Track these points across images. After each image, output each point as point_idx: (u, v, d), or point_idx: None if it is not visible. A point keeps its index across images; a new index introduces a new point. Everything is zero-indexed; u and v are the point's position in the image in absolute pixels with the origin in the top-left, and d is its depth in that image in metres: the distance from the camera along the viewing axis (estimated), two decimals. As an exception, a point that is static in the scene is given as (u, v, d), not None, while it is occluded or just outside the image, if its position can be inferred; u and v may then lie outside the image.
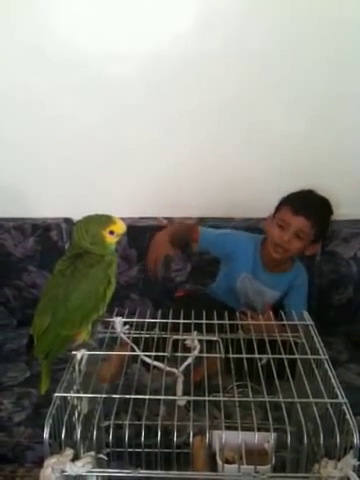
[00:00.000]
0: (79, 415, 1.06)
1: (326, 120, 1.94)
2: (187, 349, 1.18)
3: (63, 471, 0.94)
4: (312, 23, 1.81)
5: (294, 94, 1.91)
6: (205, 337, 1.18)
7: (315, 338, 1.15)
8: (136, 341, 1.21)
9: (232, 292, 1.83)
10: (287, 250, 1.69)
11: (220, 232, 1.82)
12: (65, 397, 1.01)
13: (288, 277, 1.81)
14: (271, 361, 1.11)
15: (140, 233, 1.97)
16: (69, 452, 0.96)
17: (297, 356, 1.15)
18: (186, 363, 1.15)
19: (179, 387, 1.14)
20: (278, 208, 1.75)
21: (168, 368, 1.14)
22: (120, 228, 1.14)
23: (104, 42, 1.85)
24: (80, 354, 1.10)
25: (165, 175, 2.01)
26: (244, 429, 0.97)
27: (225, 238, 1.81)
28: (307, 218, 1.66)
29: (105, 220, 1.13)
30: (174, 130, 1.97)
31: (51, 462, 0.93)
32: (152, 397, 1.02)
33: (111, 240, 1.14)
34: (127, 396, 1.02)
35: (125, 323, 1.21)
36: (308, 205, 1.70)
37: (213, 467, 1.13)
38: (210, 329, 1.20)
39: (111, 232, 1.13)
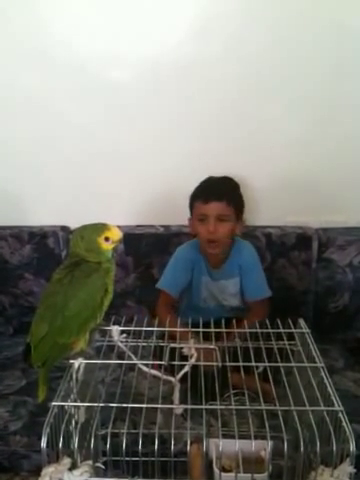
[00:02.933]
0: (76, 424, 1.06)
1: (325, 125, 1.96)
2: (184, 357, 1.18)
3: (60, 480, 0.93)
4: (311, 27, 1.83)
5: (293, 99, 1.92)
6: (202, 345, 1.18)
7: (311, 346, 1.15)
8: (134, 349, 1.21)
9: (199, 305, 1.85)
10: (218, 240, 1.72)
11: (173, 268, 1.83)
12: (62, 406, 1.01)
13: (234, 259, 1.82)
14: (268, 369, 1.11)
15: (137, 241, 1.98)
16: (67, 461, 0.95)
17: (293, 364, 1.15)
18: (183, 371, 1.15)
19: (176, 395, 1.14)
20: (191, 207, 1.79)
21: (165, 376, 1.15)
22: (115, 235, 1.14)
23: (104, 46, 1.86)
24: (77, 363, 1.09)
25: (162, 183, 2.02)
26: (241, 437, 0.97)
27: (180, 266, 1.82)
28: (219, 200, 1.70)
29: (100, 227, 1.14)
30: (172, 137, 1.98)
31: (49, 471, 0.93)
32: (149, 406, 1.02)
33: (106, 247, 1.14)
34: (124, 405, 1.02)
35: (122, 331, 1.22)
36: (213, 189, 1.75)
37: (210, 475, 1.13)
38: (207, 337, 1.20)
39: (106, 239, 1.13)
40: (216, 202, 1.70)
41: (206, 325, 1.24)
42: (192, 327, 1.23)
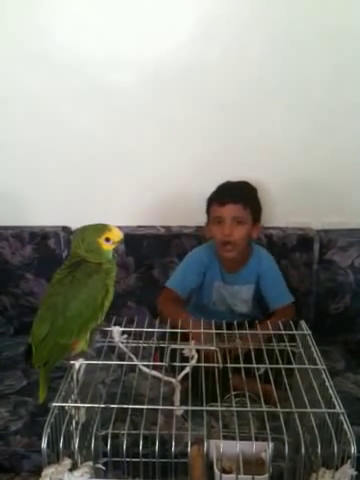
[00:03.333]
0: (77, 424, 1.06)
1: (325, 129, 1.96)
2: (185, 359, 1.18)
3: (60, 481, 0.93)
4: (311, 32, 1.84)
5: (293, 103, 1.93)
6: (203, 347, 1.18)
7: (313, 348, 1.15)
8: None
9: (208, 307, 1.85)
10: (234, 242, 1.72)
11: (184, 269, 1.84)
12: (63, 406, 1.01)
13: (252, 266, 1.83)
14: (269, 371, 1.11)
15: (138, 242, 1.98)
16: (67, 462, 0.95)
17: (295, 366, 1.15)
18: (184, 372, 1.15)
19: (177, 396, 1.13)
20: (207, 212, 1.80)
21: (166, 377, 1.14)
22: (116, 235, 1.14)
23: (105, 49, 1.87)
24: (78, 363, 1.09)
25: (163, 184, 2.02)
26: (241, 439, 0.97)
27: (193, 268, 1.83)
28: (235, 202, 1.71)
29: (101, 228, 1.14)
30: (173, 139, 1.98)
31: (49, 472, 0.93)
32: (150, 407, 1.02)
33: (107, 247, 1.14)
34: (125, 406, 1.01)
35: (123, 332, 1.21)
36: (229, 191, 1.76)
37: (210, 477, 1.13)
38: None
39: (107, 239, 1.13)
40: (232, 204, 1.71)
41: (218, 328, 1.24)
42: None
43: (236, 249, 1.74)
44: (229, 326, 1.24)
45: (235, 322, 1.25)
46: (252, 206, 1.75)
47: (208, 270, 1.84)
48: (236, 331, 1.23)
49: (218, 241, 1.74)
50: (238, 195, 1.74)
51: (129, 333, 1.23)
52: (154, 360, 1.18)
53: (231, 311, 1.85)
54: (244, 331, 1.23)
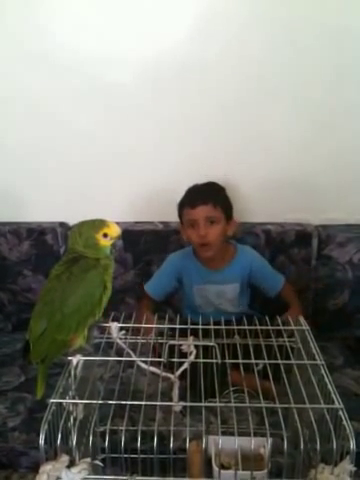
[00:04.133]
0: (75, 421, 1.05)
1: (325, 124, 1.95)
2: (183, 354, 1.17)
3: (58, 478, 0.93)
4: (312, 31, 1.83)
5: (294, 98, 1.92)
6: (201, 342, 1.17)
7: (311, 343, 1.15)
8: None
9: (196, 310, 1.86)
10: (210, 242, 1.74)
11: (159, 272, 1.91)
12: (61, 403, 1.00)
13: (238, 264, 1.85)
14: (267, 366, 1.11)
15: (136, 237, 1.97)
16: (65, 458, 0.95)
17: (293, 361, 1.14)
18: (182, 368, 1.15)
19: (175, 392, 1.13)
20: (180, 215, 1.81)
21: (164, 373, 1.14)
22: (114, 231, 1.14)
23: (104, 48, 1.86)
24: (76, 359, 1.09)
25: (161, 180, 2.01)
26: (240, 434, 0.97)
27: (165, 275, 1.89)
28: (205, 203, 1.73)
29: (98, 223, 1.14)
30: (171, 135, 1.97)
31: (47, 469, 0.92)
32: (148, 403, 1.01)
33: (105, 243, 1.14)
34: (123, 402, 1.01)
35: (121, 328, 1.21)
36: (198, 194, 1.78)
37: (209, 473, 1.13)
38: (206, 334, 1.20)
39: (105, 235, 1.13)
40: (203, 205, 1.73)
41: (227, 324, 1.24)
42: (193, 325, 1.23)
43: (213, 248, 1.77)
44: (217, 323, 1.24)
45: (222, 318, 1.24)
46: (222, 204, 1.77)
47: (184, 275, 1.87)
48: (223, 327, 1.23)
49: (195, 243, 1.77)
50: (207, 196, 1.75)
51: (127, 329, 1.22)
52: (154, 353, 1.18)
53: (219, 311, 1.85)
54: (243, 327, 1.23)
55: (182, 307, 1.95)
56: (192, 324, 1.23)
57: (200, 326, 1.21)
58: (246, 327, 1.23)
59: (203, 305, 1.87)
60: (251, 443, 0.96)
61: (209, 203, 1.73)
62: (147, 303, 1.89)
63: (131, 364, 1.17)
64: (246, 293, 1.91)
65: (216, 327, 1.22)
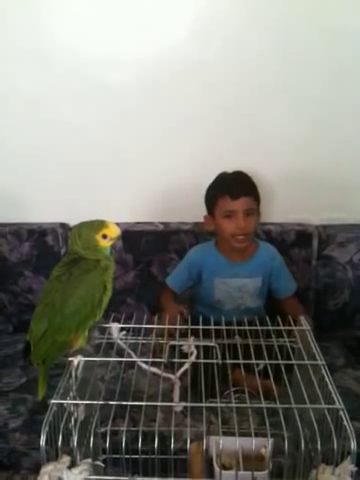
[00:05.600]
0: (76, 422, 1.05)
1: (325, 123, 1.95)
2: (184, 355, 1.17)
3: (60, 478, 0.93)
4: (311, 30, 1.83)
5: (294, 98, 1.92)
6: (202, 343, 1.17)
7: (312, 344, 1.15)
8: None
9: (213, 305, 1.85)
10: (247, 233, 1.74)
11: (179, 267, 1.90)
12: (61, 404, 1.00)
13: (261, 258, 1.84)
14: (268, 367, 1.11)
15: (136, 238, 1.97)
16: (66, 459, 0.95)
17: (294, 362, 1.14)
18: (183, 369, 1.15)
19: (176, 393, 1.13)
20: (213, 204, 1.77)
21: (165, 374, 1.14)
22: (113, 232, 1.13)
23: (104, 48, 1.86)
24: (77, 360, 1.09)
25: (162, 180, 2.01)
26: (241, 435, 0.97)
27: (186, 268, 1.87)
28: (248, 195, 1.73)
29: (98, 224, 1.13)
30: (171, 136, 1.97)
31: (48, 469, 0.92)
32: (149, 403, 1.01)
33: (104, 244, 1.14)
34: (124, 402, 1.01)
35: (122, 329, 1.21)
36: (239, 184, 1.76)
37: (210, 473, 1.13)
38: (207, 335, 1.20)
39: (104, 236, 1.13)
40: (245, 197, 1.72)
41: (228, 325, 1.23)
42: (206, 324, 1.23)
43: (248, 239, 1.77)
44: (240, 324, 1.24)
45: (246, 319, 1.24)
46: (258, 197, 1.78)
47: (204, 269, 1.85)
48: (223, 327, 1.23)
49: (230, 234, 1.74)
50: (249, 188, 1.76)
51: (128, 330, 1.22)
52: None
53: (238, 308, 1.84)
54: (244, 327, 1.23)
55: (195, 304, 1.92)
56: (205, 321, 1.22)
57: (201, 326, 1.21)
58: (247, 327, 1.22)
59: (223, 299, 1.85)
60: (252, 443, 0.96)
61: (251, 195, 1.73)
62: (168, 295, 1.87)
63: (132, 365, 1.17)
64: (265, 289, 1.89)
65: (217, 327, 1.22)
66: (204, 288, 1.87)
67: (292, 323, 1.23)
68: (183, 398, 1.09)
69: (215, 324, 1.22)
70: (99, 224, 1.13)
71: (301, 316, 1.26)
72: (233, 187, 1.74)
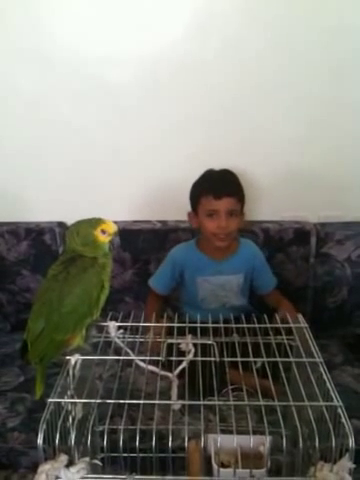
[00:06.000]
0: (73, 420, 1.05)
1: (323, 121, 1.95)
2: (182, 353, 1.17)
3: (57, 477, 0.93)
4: (310, 28, 1.83)
5: (292, 96, 1.92)
6: (199, 341, 1.17)
7: (310, 341, 1.15)
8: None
9: (198, 304, 1.85)
10: (228, 233, 1.74)
11: (162, 267, 1.89)
12: (59, 402, 1.00)
13: (242, 255, 1.85)
14: (266, 364, 1.11)
15: (134, 237, 1.97)
16: (63, 458, 0.95)
17: (292, 359, 1.14)
18: (181, 367, 1.15)
19: (174, 391, 1.13)
20: (197, 202, 1.76)
21: (163, 372, 1.14)
22: (111, 227, 1.14)
23: (102, 47, 1.85)
24: (74, 359, 1.09)
25: (159, 179, 2.01)
26: (239, 433, 0.97)
27: (168, 268, 1.87)
28: (231, 196, 1.71)
29: (95, 221, 1.14)
30: (169, 135, 1.97)
31: (45, 468, 0.92)
32: (147, 402, 1.01)
33: (103, 239, 1.14)
34: (121, 401, 1.01)
35: (119, 327, 1.21)
36: (223, 184, 1.73)
37: (208, 471, 1.13)
38: (204, 333, 1.20)
39: (103, 231, 1.14)
40: (228, 198, 1.71)
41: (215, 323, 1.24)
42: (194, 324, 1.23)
43: (229, 239, 1.77)
44: (226, 321, 1.24)
45: (231, 316, 1.24)
46: (242, 197, 1.77)
47: (186, 268, 1.85)
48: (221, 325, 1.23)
49: (211, 233, 1.74)
50: (233, 188, 1.74)
51: (125, 328, 1.22)
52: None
53: (223, 306, 1.85)
54: (241, 325, 1.23)
55: (181, 304, 1.95)
56: (191, 322, 1.22)
57: (199, 324, 1.21)
58: (244, 325, 1.22)
59: (207, 298, 1.85)
60: (250, 441, 0.96)
61: (234, 196, 1.72)
62: (154, 299, 1.89)
63: (129, 363, 1.17)
64: (248, 286, 1.90)
65: (214, 325, 1.22)
66: (187, 287, 1.88)
67: (290, 321, 1.23)
68: (181, 396, 1.09)
69: (201, 323, 1.22)
70: (97, 220, 1.14)
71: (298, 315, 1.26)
72: (217, 186, 1.72)
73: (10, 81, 1.90)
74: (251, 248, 1.87)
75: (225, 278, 1.84)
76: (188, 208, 1.94)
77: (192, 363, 1.14)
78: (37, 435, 0.93)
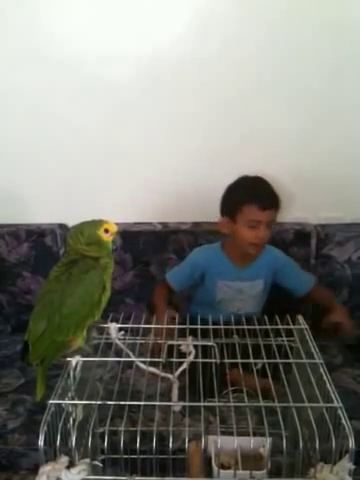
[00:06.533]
0: (74, 422, 1.05)
1: (323, 122, 1.95)
2: (182, 354, 1.17)
3: (58, 479, 0.93)
4: (310, 26, 1.83)
5: (292, 96, 1.92)
6: (200, 342, 1.17)
7: (310, 342, 1.15)
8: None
9: (213, 305, 1.83)
10: (264, 242, 1.74)
11: (182, 265, 1.86)
12: (60, 404, 1.00)
13: (264, 261, 1.83)
14: (266, 366, 1.11)
15: (135, 238, 1.97)
16: (64, 459, 0.95)
17: (292, 360, 1.14)
18: (181, 368, 1.15)
19: (174, 393, 1.13)
20: (236, 210, 1.70)
21: (163, 374, 1.14)
22: (113, 226, 1.16)
23: (102, 45, 1.85)
24: (75, 360, 1.09)
25: (160, 180, 2.01)
26: (239, 434, 0.97)
27: (188, 268, 1.84)
28: (274, 207, 1.70)
29: (98, 221, 1.16)
30: (170, 134, 1.97)
31: (46, 470, 0.92)
32: (147, 403, 1.01)
33: (107, 238, 1.16)
34: (122, 402, 1.01)
35: (120, 329, 1.21)
36: (268, 196, 1.71)
37: (209, 472, 1.13)
38: (205, 334, 1.20)
39: (106, 230, 1.15)
40: (271, 210, 1.69)
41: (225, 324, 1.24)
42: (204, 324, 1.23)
43: (262, 248, 1.78)
44: (238, 323, 1.24)
45: (243, 319, 1.24)
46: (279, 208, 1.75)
47: (208, 271, 1.83)
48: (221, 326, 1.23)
49: (248, 242, 1.71)
50: (276, 200, 1.71)
51: (126, 330, 1.22)
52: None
53: (237, 311, 1.82)
54: (242, 326, 1.23)
55: (193, 304, 1.92)
56: (202, 321, 1.22)
57: (199, 326, 1.21)
58: (245, 327, 1.23)
59: (224, 301, 1.85)
60: (250, 443, 0.96)
61: (276, 208, 1.71)
62: (164, 290, 1.85)
63: (130, 365, 1.17)
64: (267, 292, 1.89)
65: (215, 327, 1.22)
66: (206, 289, 1.86)
67: (290, 322, 1.23)
68: (181, 398, 1.09)
69: (213, 324, 1.22)
70: (99, 221, 1.16)
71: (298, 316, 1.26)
72: (263, 198, 1.68)
73: (11, 82, 1.90)
74: (271, 252, 1.84)
75: (244, 284, 1.83)
76: (188, 209, 1.95)
77: (192, 364, 1.14)
78: (37, 437, 0.93)
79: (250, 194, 1.69)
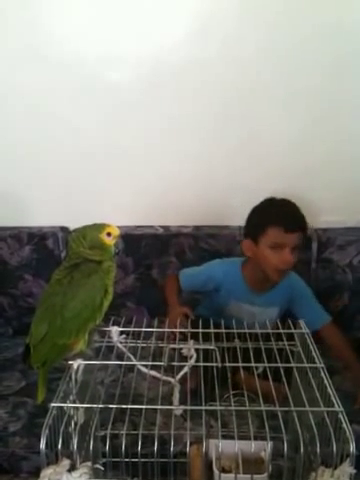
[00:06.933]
0: (75, 425, 1.05)
1: (323, 125, 1.95)
2: (184, 358, 1.18)
3: (60, 482, 0.93)
4: (310, 26, 1.83)
5: (292, 99, 1.92)
6: (202, 346, 1.18)
7: (311, 346, 1.15)
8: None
9: (221, 312, 1.77)
10: (290, 268, 1.65)
11: (198, 271, 1.79)
12: (61, 407, 1.01)
13: (280, 289, 1.75)
14: (267, 370, 1.11)
15: (136, 242, 1.98)
16: (66, 463, 0.95)
17: (293, 364, 1.15)
18: (182, 372, 1.15)
19: (176, 396, 1.13)
20: (260, 232, 1.63)
21: (165, 377, 1.14)
22: (115, 230, 1.17)
23: (102, 47, 1.86)
24: (76, 364, 1.09)
25: (162, 183, 2.01)
26: (240, 438, 0.97)
27: (204, 277, 1.76)
28: (301, 231, 1.62)
29: (100, 225, 1.17)
30: (171, 138, 1.97)
31: (47, 473, 0.93)
32: (149, 407, 1.02)
33: (109, 242, 1.16)
34: (124, 406, 1.01)
35: (121, 332, 1.21)
36: (296, 218, 1.64)
37: (210, 476, 1.13)
38: (206, 338, 1.20)
39: (108, 234, 1.16)
40: (299, 233, 1.61)
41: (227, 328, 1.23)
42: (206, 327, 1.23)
43: (287, 274, 1.68)
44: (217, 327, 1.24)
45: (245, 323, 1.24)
46: (306, 232, 1.69)
47: (223, 286, 1.76)
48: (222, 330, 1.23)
49: (273, 267, 1.62)
50: (303, 223, 1.64)
51: (127, 333, 1.23)
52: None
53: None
54: (243, 330, 1.23)
55: (199, 306, 1.87)
56: (205, 324, 1.22)
57: (200, 330, 1.21)
58: (246, 330, 1.23)
59: (233, 316, 1.69)
60: (251, 446, 0.96)
61: (303, 232, 1.63)
62: (174, 287, 1.75)
63: (132, 368, 1.17)
64: (280, 317, 1.75)
65: (216, 330, 1.22)
66: (218, 299, 1.79)
67: (291, 326, 1.24)
68: (183, 401, 1.09)
69: (215, 327, 1.22)
70: (101, 224, 1.17)
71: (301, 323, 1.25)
72: (290, 220, 1.61)
73: (11, 83, 1.90)
74: (291, 280, 1.74)
75: (258, 309, 1.75)
76: (190, 213, 1.95)
77: (194, 368, 1.14)
78: (38, 440, 0.93)
79: (275, 215, 1.63)
